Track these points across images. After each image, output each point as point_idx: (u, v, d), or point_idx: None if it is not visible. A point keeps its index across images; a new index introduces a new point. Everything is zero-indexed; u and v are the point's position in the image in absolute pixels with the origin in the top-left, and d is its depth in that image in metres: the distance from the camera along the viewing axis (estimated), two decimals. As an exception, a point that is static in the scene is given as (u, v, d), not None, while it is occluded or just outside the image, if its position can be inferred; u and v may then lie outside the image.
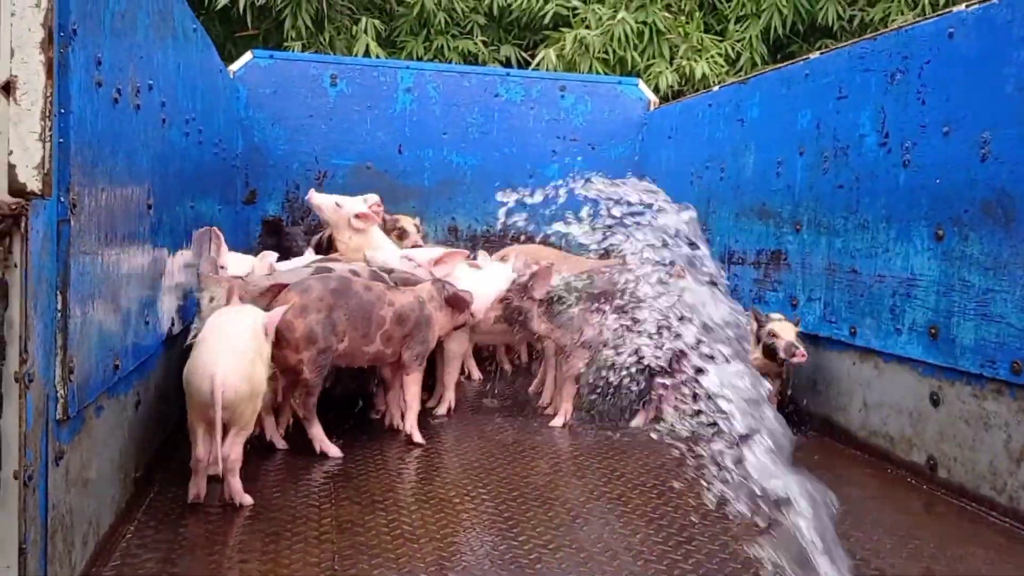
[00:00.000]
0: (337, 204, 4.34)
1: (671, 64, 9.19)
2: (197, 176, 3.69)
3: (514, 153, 6.02)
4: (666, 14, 9.37)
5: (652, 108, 6.11)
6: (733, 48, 9.44)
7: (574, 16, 9.35)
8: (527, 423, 4.02)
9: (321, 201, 4.37)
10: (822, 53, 4.10)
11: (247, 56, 5.70)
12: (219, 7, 8.73)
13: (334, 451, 3.33)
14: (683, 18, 9.55)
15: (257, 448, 3.31)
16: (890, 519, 2.96)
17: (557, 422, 3.99)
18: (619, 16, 8.97)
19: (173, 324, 3.16)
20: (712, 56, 9.19)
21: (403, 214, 5.63)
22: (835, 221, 3.89)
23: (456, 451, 3.53)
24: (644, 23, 9.22)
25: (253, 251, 4.98)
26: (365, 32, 8.97)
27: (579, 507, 2.91)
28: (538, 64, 8.90)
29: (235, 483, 2.74)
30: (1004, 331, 2.93)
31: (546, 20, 9.41)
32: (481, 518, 2.75)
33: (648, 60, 9.16)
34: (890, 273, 3.52)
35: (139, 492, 2.72)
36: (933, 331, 3.27)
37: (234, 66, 5.66)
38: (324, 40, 9.03)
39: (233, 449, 2.72)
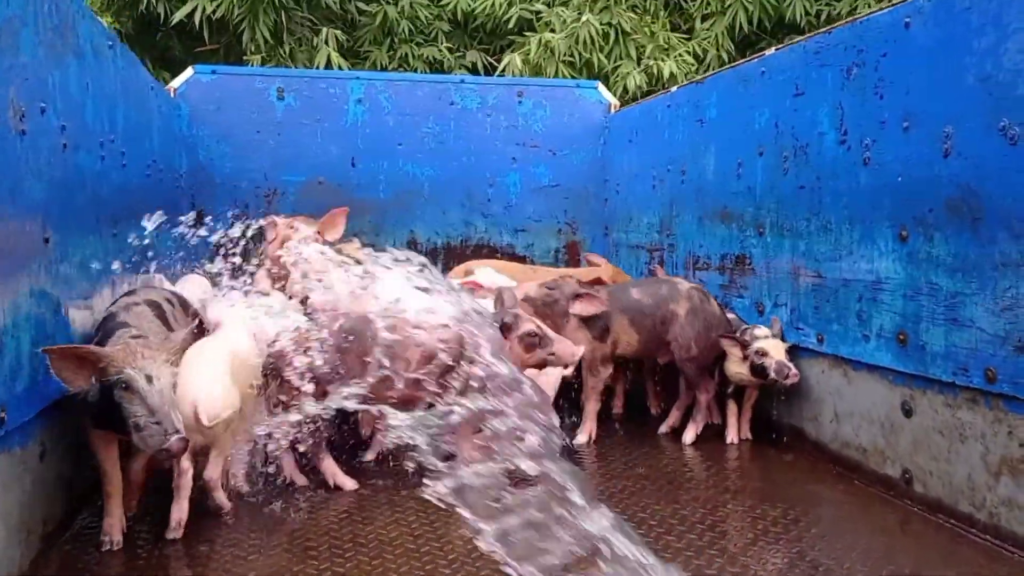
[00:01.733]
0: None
1: (638, 65, 9.04)
2: (121, 202, 3.47)
3: (472, 162, 5.82)
4: (631, 14, 9.22)
5: (613, 111, 5.93)
6: (701, 46, 9.30)
7: (538, 20, 9.19)
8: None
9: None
10: (777, 49, 3.92)
11: (188, 72, 5.48)
12: (175, 23, 8.51)
13: (350, 483, 3.24)
14: (648, 18, 9.41)
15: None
16: (865, 540, 2.78)
17: (581, 439, 3.87)
18: (584, 18, 8.80)
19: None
20: (680, 55, 9.04)
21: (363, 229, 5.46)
22: (798, 223, 3.72)
23: (404, 488, 3.32)
24: (609, 24, 9.06)
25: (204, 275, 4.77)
26: (326, 43, 8.74)
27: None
28: (504, 69, 8.72)
29: (219, 497, 2.90)
30: (975, 336, 2.76)
31: (511, 25, 9.24)
32: (422, 561, 2.55)
33: (615, 62, 9.00)
34: (855, 277, 3.35)
35: (49, 548, 2.50)
36: (902, 337, 3.09)
37: (175, 83, 5.44)
38: (284, 52, 8.79)
39: (214, 471, 2.86)
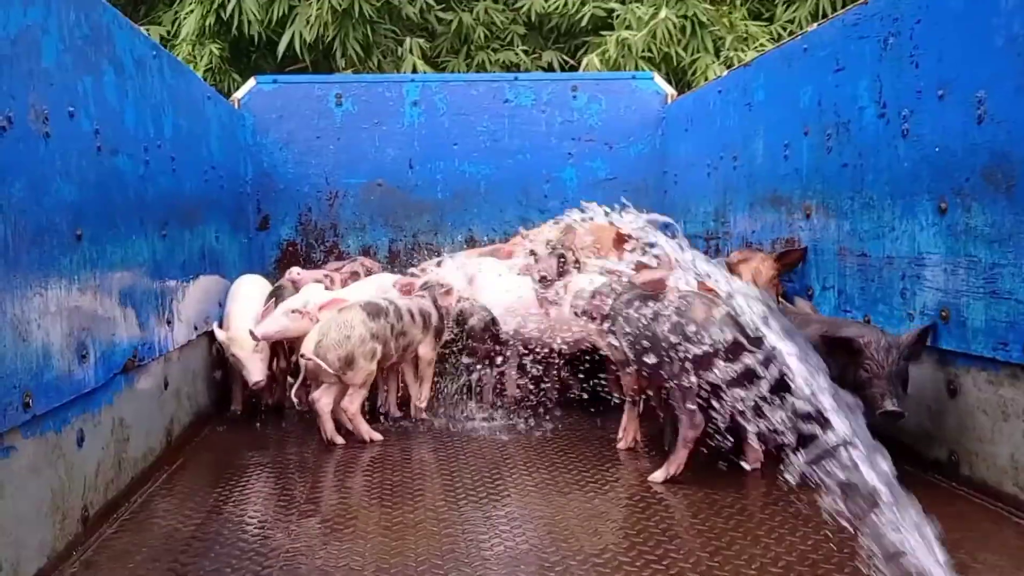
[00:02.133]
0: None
1: (717, 56, 8.88)
2: (171, 205, 3.63)
3: (528, 159, 5.85)
4: (707, 5, 9.06)
5: (670, 101, 5.85)
6: (785, 29, 9.05)
7: (614, 18, 9.13)
8: (512, 435, 3.86)
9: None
10: (819, 24, 3.81)
11: (251, 83, 5.69)
12: (267, 44, 8.85)
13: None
14: (726, 8, 9.24)
15: (216, 475, 3.30)
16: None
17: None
18: (661, 15, 8.68)
19: (136, 355, 3.09)
20: (761, 44, 8.84)
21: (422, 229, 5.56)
22: (842, 203, 3.60)
23: (437, 469, 3.37)
24: (685, 17, 8.93)
25: (269, 277, 4.97)
26: (411, 52, 8.93)
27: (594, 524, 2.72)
28: (583, 70, 8.69)
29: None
30: (1014, 309, 2.62)
31: (584, 23, 9.23)
32: (441, 544, 2.58)
33: (693, 55, 8.86)
34: (898, 254, 3.22)
35: (88, 532, 2.63)
36: (944, 314, 2.96)
37: (238, 93, 5.67)
38: (373, 64, 9.03)
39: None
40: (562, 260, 3.90)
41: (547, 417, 4.04)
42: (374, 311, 3.75)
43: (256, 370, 3.97)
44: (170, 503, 3.01)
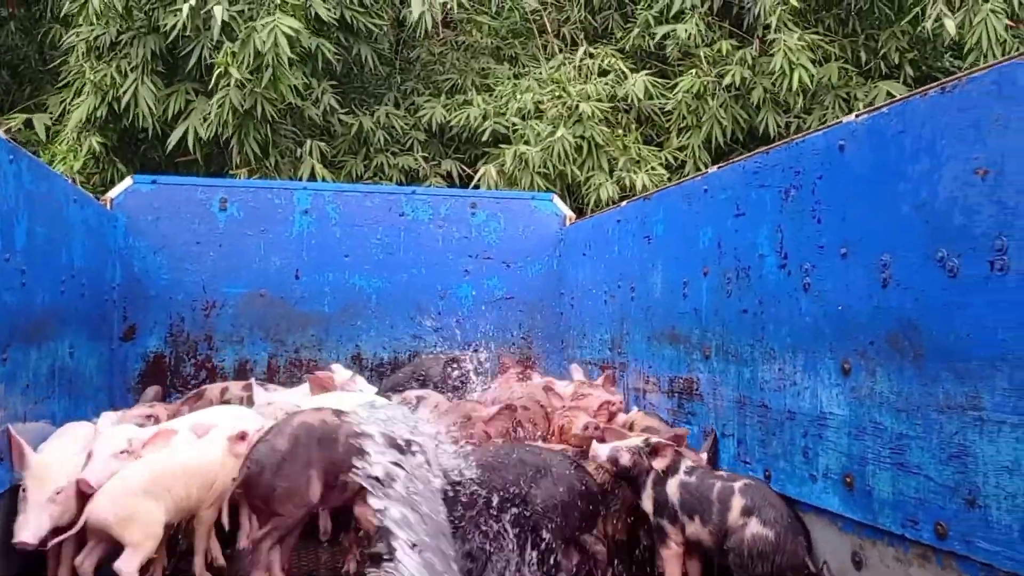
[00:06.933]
0: None
1: (611, 176, 9.01)
2: (14, 325, 3.23)
3: (423, 274, 5.64)
4: (603, 128, 9.23)
5: (568, 223, 5.78)
6: (675, 157, 9.30)
7: (513, 132, 9.19)
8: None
9: None
10: (720, 167, 3.78)
11: (127, 182, 5.32)
12: (158, 135, 8.39)
13: None
14: (620, 131, 9.44)
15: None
16: None
17: None
18: (558, 133, 8.79)
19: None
20: (652, 167, 9.03)
21: (305, 343, 5.24)
22: (742, 349, 3.49)
23: None
24: (582, 137, 9.07)
25: (134, 392, 4.54)
26: (310, 154, 8.68)
27: None
28: (479, 180, 8.67)
29: None
30: (923, 485, 2.50)
31: (485, 137, 9.26)
32: None
33: (587, 172, 8.98)
34: (800, 410, 3.10)
35: None
36: (848, 479, 2.83)
37: (111, 193, 5.28)
38: (270, 165, 8.71)
39: None
40: None
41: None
42: None
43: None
44: None
